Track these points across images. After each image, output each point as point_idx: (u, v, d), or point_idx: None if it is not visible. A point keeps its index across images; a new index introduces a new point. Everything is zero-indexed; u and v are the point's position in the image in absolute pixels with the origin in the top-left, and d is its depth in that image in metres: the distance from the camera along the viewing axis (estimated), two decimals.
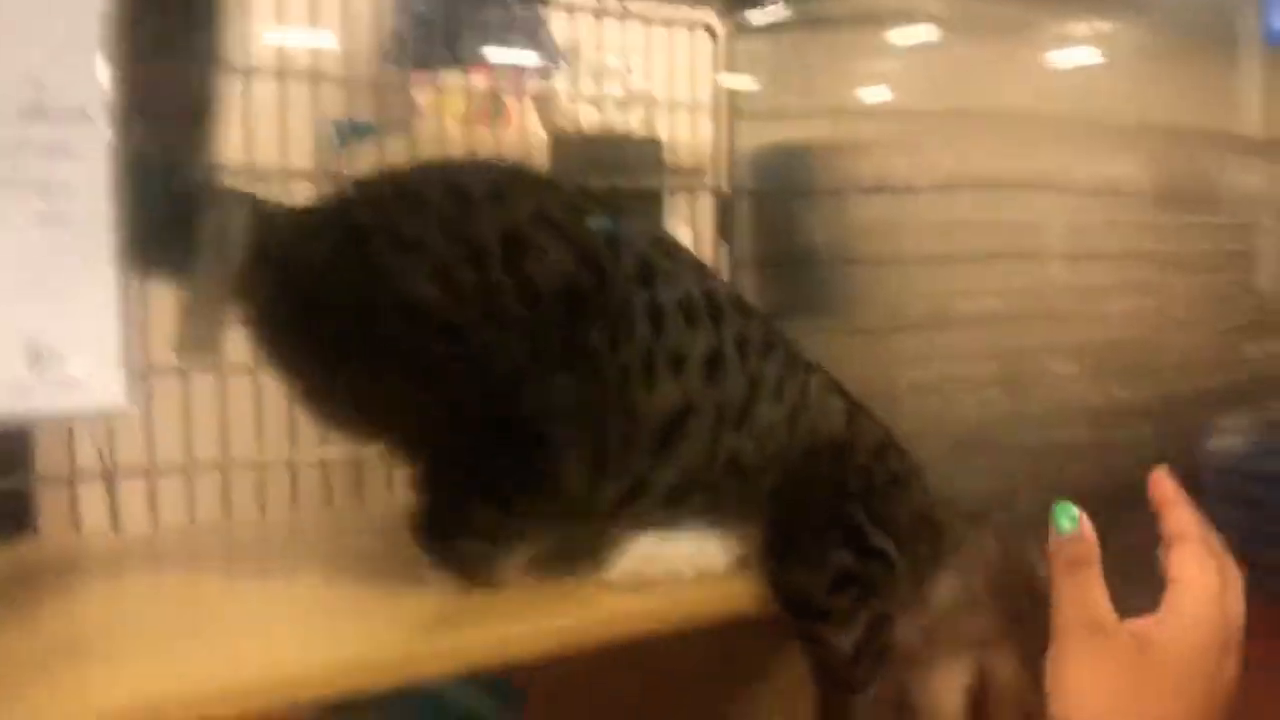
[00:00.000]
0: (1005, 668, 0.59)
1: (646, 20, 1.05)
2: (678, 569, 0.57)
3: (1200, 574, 0.53)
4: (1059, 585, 0.55)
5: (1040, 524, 0.57)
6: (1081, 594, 0.55)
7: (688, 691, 0.68)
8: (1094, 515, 1.41)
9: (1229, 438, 1.48)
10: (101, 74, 0.34)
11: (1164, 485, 0.61)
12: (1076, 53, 1.51)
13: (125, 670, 0.40)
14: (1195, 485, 1.51)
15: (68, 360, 0.34)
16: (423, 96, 1.10)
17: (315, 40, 0.88)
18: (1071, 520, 0.57)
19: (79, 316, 0.34)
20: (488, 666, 0.49)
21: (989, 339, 1.41)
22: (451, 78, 1.11)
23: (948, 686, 0.58)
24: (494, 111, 1.16)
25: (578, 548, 0.55)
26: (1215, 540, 0.57)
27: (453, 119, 1.15)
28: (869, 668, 0.55)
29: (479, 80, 1.15)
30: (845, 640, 0.55)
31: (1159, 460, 1.60)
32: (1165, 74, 1.39)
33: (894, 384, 1.43)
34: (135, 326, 0.35)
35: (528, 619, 0.52)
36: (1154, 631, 0.53)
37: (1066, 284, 1.41)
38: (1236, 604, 0.54)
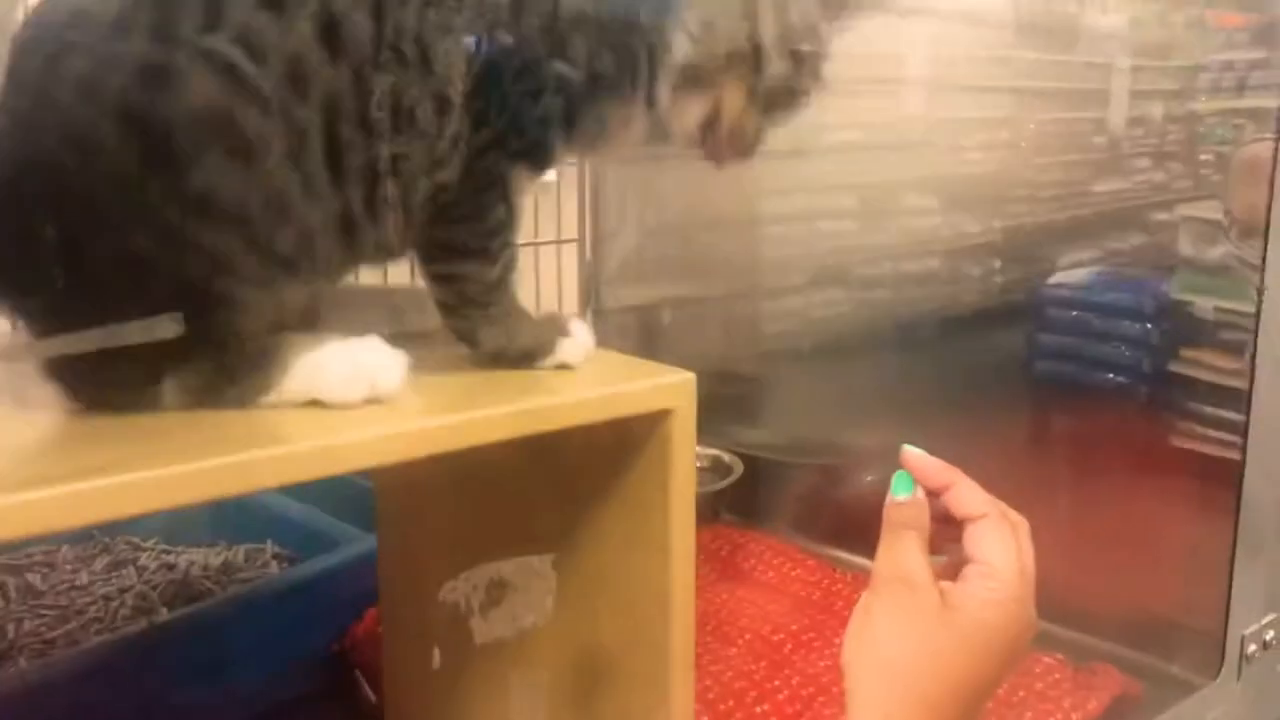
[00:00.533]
0: (734, 102, 0.66)
1: None
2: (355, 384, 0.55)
3: (1001, 550, 0.57)
4: (885, 541, 0.59)
5: None
6: (901, 552, 0.57)
7: (526, 505, 0.67)
8: (939, 343, 1.44)
9: (1071, 272, 1.51)
10: None
11: (925, 464, 0.61)
12: None
13: None
14: (1038, 316, 1.56)
15: None
16: None
17: None
18: (907, 488, 0.59)
19: None
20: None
21: (848, 170, 1.40)
22: None
23: (690, 113, 0.66)
24: None
25: (239, 366, 0.52)
26: (1001, 504, 0.60)
27: None
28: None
29: None
30: (490, 272, 0.62)
31: (1005, 290, 1.65)
32: None
33: (757, 212, 1.41)
34: None
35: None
36: (961, 600, 0.56)
37: (924, 116, 1.40)
38: (1030, 560, 0.58)
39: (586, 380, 0.62)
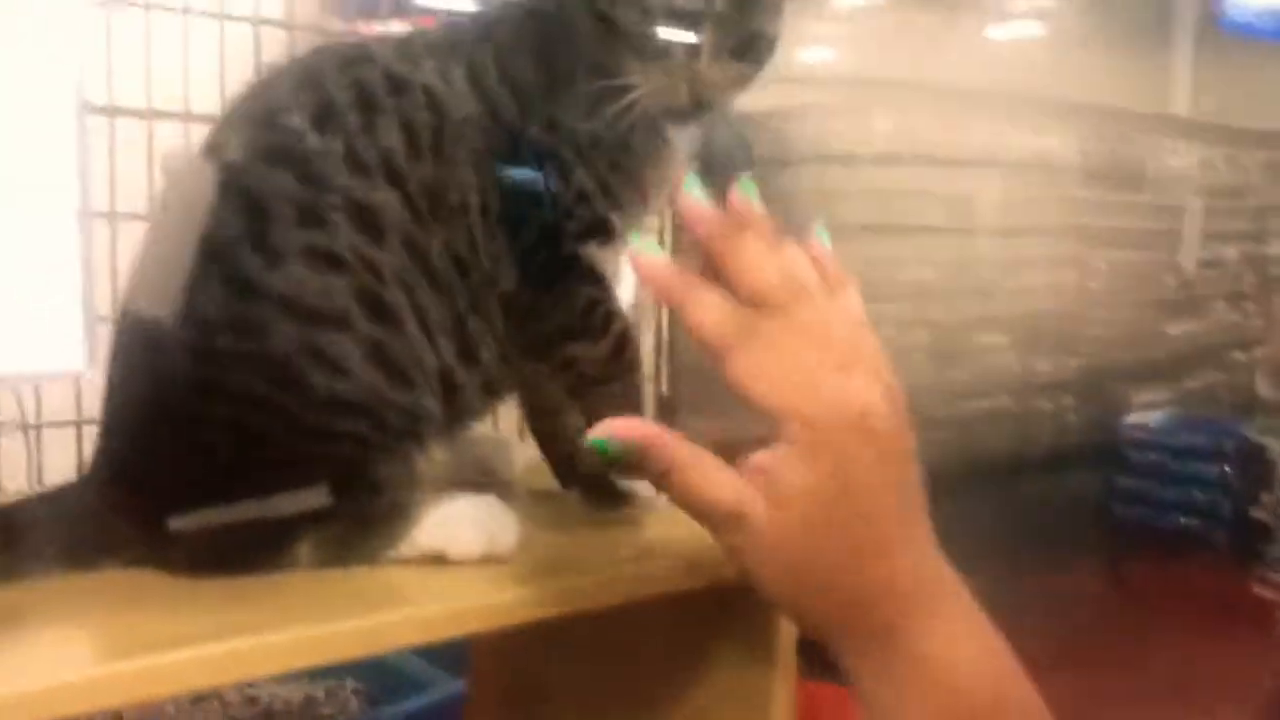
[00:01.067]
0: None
1: None
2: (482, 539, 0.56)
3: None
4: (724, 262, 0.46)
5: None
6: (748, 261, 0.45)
7: (635, 667, 0.68)
8: (1013, 482, 1.43)
9: (1146, 412, 1.51)
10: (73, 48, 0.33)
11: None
12: (1017, 27, 1.50)
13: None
14: (1115, 457, 1.55)
15: (31, 322, 0.33)
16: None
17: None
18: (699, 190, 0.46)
19: (42, 280, 0.33)
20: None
21: (919, 309, 1.42)
22: (397, 28, 1.07)
23: None
24: None
25: (372, 524, 0.53)
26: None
27: None
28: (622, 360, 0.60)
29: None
30: (598, 348, 0.59)
31: (1079, 431, 1.65)
32: (1102, 53, 1.40)
33: None
34: (95, 290, 0.33)
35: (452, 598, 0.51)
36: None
37: (995, 257, 1.41)
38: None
39: (688, 541, 0.63)
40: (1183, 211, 1.57)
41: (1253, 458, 1.48)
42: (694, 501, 0.48)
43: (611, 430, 0.47)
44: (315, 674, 1.05)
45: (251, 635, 0.46)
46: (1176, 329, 1.60)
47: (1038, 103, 1.45)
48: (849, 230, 1.41)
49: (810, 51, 1.43)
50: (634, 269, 0.47)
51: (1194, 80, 1.58)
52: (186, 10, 0.82)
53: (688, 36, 0.61)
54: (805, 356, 0.45)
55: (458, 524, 0.56)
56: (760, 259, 0.48)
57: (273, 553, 0.53)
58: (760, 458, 0.47)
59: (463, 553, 0.55)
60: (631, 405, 0.63)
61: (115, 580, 0.55)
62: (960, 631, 0.52)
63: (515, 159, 0.62)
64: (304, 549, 0.54)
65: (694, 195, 0.47)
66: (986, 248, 1.48)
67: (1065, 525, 1.41)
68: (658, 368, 1.28)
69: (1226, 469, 1.44)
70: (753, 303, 0.48)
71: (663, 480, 0.48)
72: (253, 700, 0.99)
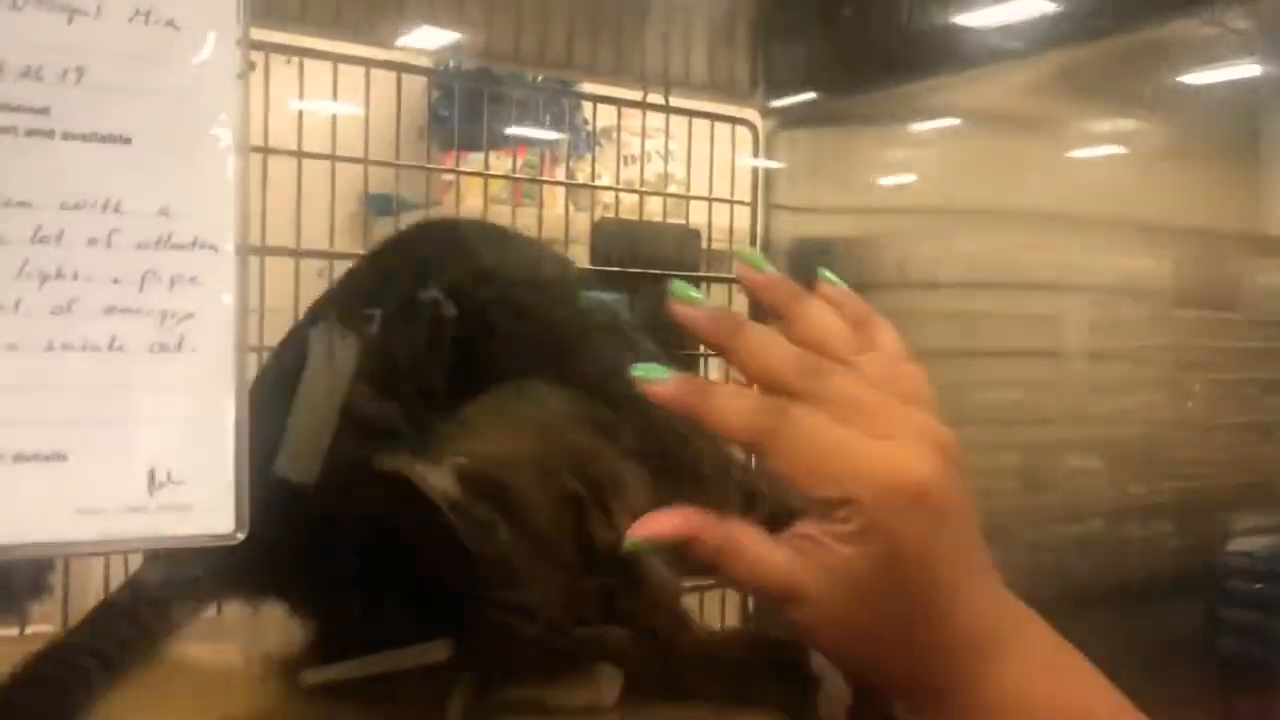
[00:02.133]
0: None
1: (690, 114, 1.10)
2: None
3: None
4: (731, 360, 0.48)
5: None
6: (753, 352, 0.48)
7: None
8: (1108, 615, 1.45)
9: (1253, 539, 1.49)
10: (232, 207, 0.38)
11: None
12: (1101, 149, 1.54)
13: None
14: (1214, 587, 1.57)
15: (183, 486, 0.36)
16: (460, 176, 1.15)
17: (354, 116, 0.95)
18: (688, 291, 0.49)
19: (195, 443, 0.37)
20: None
21: (1007, 432, 1.44)
22: (478, 158, 1.16)
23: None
24: (529, 193, 1.20)
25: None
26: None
27: (489, 199, 1.19)
28: None
29: (515, 161, 1.20)
30: None
31: (1176, 559, 1.66)
32: (1189, 172, 1.42)
33: None
34: (247, 455, 0.37)
35: None
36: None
37: (1085, 378, 1.44)
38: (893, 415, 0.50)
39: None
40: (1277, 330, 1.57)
41: None
42: (745, 583, 0.49)
43: (651, 530, 0.48)
44: None
45: None
46: (1275, 451, 1.58)
47: (1124, 224, 1.47)
48: (932, 354, 1.42)
49: (891, 178, 1.47)
50: (648, 395, 0.47)
51: None
52: None
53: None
54: (840, 435, 0.46)
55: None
56: (763, 346, 0.49)
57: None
58: (810, 529, 0.48)
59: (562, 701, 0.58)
60: None
61: None
62: (1032, 671, 0.52)
63: None
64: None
65: (683, 299, 0.48)
66: (1076, 370, 1.49)
67: (1166, 660, 1.39)
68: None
69: None
70: (773, 391, 0.49)
71: (711, 566, 0.49)
72: None
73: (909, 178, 1.47)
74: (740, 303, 1.26)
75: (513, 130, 1.26)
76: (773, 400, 0.46)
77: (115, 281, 0.38)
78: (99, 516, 0.38)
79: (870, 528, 0.45)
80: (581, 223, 1.22)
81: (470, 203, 1.20)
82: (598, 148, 1.40)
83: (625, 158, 1.32)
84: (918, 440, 0.46)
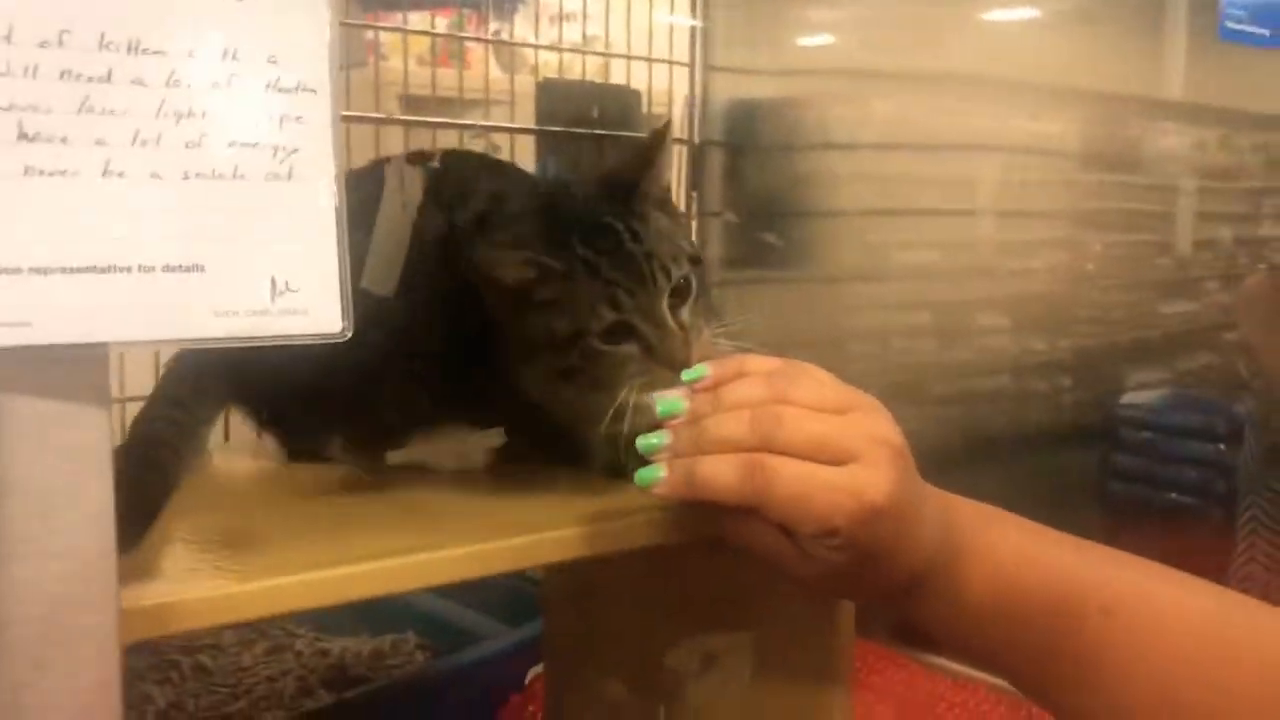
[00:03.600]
0: None
1: None
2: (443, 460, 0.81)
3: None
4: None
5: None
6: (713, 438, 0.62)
7: (706, 595, 0.82)
8: (1010, 461, 1.63)
9: (1142, 393, 1.63)
10: (327, 54, 0.47)
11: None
12: (1013, 13, 1.63)
13: None
14: (1110, 437, 1.76)
15: (298, 293, 0.46)
16: (386, 36, 1.18)
17: None
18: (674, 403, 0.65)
19: (306, 257, 0.46)
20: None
21: (922, 290, 1.56)
22: (415, 18, 1.19)
23: None
24: (456, 53, 1.25)
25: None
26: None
27: (415, 59, 1.23)
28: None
29: (441, 21, 1.23)
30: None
31: (1074, 411, 1.85)
32: (1097, 38, 1.52)
33: (838, 331, 1.57)
34: (348, 267, 0.46)
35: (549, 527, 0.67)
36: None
37: (995, 239, 1.56)
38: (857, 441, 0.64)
39: None
40: (1177, 193, 1.68)
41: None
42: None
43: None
44: (381, 629, 1.18)
45: (428, 552, 0.60)
46: (1171, 309, 1.71)
47: (1034, 87, 1.56)
48: (852, 214, 1.53)
49: (811, 40, 1.54)
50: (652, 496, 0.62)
51: (1187, 63, 1.68)
52: None
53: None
54: (810, 475, 0.59)
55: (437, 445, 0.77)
56: (719, 427, 0.61)
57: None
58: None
59: (437, 464, 0.78)
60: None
61: (317, 512, 0.70)
62: (1001, 559, 0.67)
63: None
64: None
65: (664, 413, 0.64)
66: (986, 230, 1.59)
67: (1063, 502, 1.53)
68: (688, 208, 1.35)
69: (1221, 447, 1.55)
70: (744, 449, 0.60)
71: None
72: (324, 652, 1.11)
73: (830, 39, 1.54)
74: None
75: None
76: (750, 457, 0.59)
77: (235, 120, 0.47)
78: (232, 318, 0.47)
79: (851, 544, 0.59)
80: (504, 84, 1.27)
81: (394, 63, 1.24)
82: (521, 6, 1.44)
83: (549, 18, 1.37)
84: (873, 452, 0.60)
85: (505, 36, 1.47)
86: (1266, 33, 1.19)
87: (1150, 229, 1.71)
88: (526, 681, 1.07)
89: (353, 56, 1.32)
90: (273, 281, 0.47)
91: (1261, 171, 1.67)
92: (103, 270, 0.45)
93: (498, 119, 1.21)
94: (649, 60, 1.28)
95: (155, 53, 0.46)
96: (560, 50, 1.26)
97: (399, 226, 0.69)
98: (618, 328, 0.71)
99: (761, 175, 1.49)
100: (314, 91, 0.48)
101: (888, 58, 1.50)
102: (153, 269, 0.46)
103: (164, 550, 0.59)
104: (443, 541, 0.60)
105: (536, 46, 1.28)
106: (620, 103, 1.25)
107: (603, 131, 1.21)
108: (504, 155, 1.16)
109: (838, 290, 1.55)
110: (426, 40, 1.24)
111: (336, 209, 0.49)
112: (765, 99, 1.48)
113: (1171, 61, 1.69)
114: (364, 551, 0.58)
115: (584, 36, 1.31)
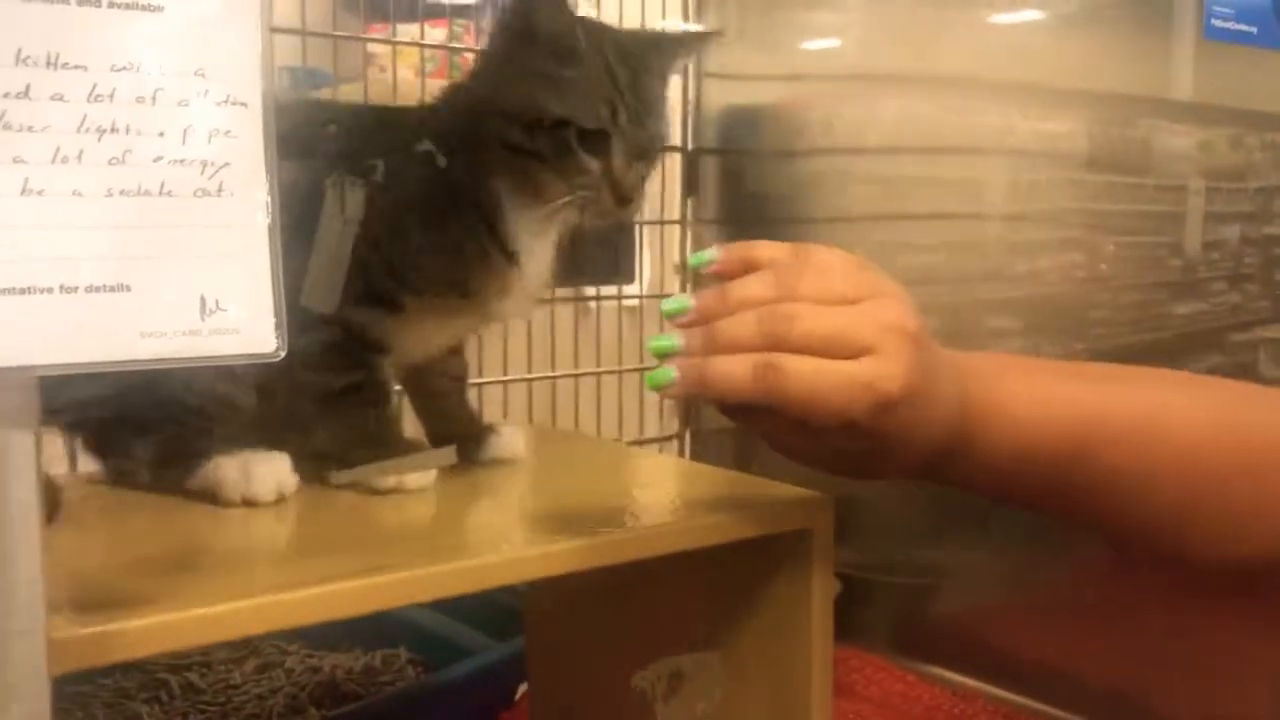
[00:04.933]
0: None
1: None
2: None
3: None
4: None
5: None
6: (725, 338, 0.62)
7: (681, 611, 0.80)
8: None
9: None
10: (259, 66, 0.45)
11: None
12: (1019, 14, 1.61)
13: None
14: None
15: (229, 312, 0.44)
16: (378, 47, 1.17)
17: None
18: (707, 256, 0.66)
19: (237, 275, 0.44)
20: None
21: (930, 293, 1.53)
22: (408, 30, 1.18)
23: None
24: (451, 65, 1.24)
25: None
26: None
27: (408, 71, 1.22)
28: None
29: (435, 33, 1.23)
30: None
31: None
32: (1103, 36, 1.50)
33: None
34: (282, 285, 0.45)
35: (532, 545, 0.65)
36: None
37: (1003, 240, 1.54)
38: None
39: (729, 501, 0.75)
40: (1185, 193, 1.66)
41: None
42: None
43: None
44: (372, 644, 1.16)
45: (391, 572, 0.58)
46: (1181, 310, 1.69)
47: (1041, 88, 1.54)
48: (854, 219, 1.51)
49: (815, 43, 1.52)
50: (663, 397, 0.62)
51: (1195, 63, 1.66)
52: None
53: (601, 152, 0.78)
54: (825, 371, 0.58)
55: (226, 473, 0.74)
56: (731, 328, 0.59)
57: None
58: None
59: (227, 498, 0.74)
60: (380, 439, 0.80)
61: (278, 532, 0.68)
62: (1020, 411, 0.67)
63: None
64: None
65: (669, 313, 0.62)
66: (994, 232, 1.57)
67: None
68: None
69: None
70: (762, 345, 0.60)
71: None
72: (315, 669, 1.10)
73: (833, 42, 1.52)
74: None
75: None
76: (762, 357, 0.58)
77: (161, 135, 0.45)
78: (160, 339, 0.45)
79: (870, 434, 0.59)
80: None
81: (394, 75, 1.23)
82: None
83: None
84: (887, 342, 0.59)
85: None
86: (1254, 30, 1.17)
87: (1159, 230, 1.69)
88: (516, 698, 1.05)
89: (350, 69, 1.31)
90: (202, 301, 0.46)
91: (1271, 171, 1.64)
92: (23, 292, 0.43)
93: None
94: None
95: (76, 67, 0.44)
96: None
97: (340, 243, 0.68)
98: (599, 137, 0.75)
99: (758, 181, 1.47)
100: (244, 105, 0.47)
101: (889, 61, 1.48)
102: (76, 289, 0.44)
103: (97, 577, 0.57)
104: (393, 563, 0.58)
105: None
106: None
107: None
108: None
109: None
110: (420, 52, 1.24)
111: (269, 225, 0.47)
112: (762, 104, 1.46)
113: (1179, 61, 1.66)
114: (308, 576, 0.56)
115: None
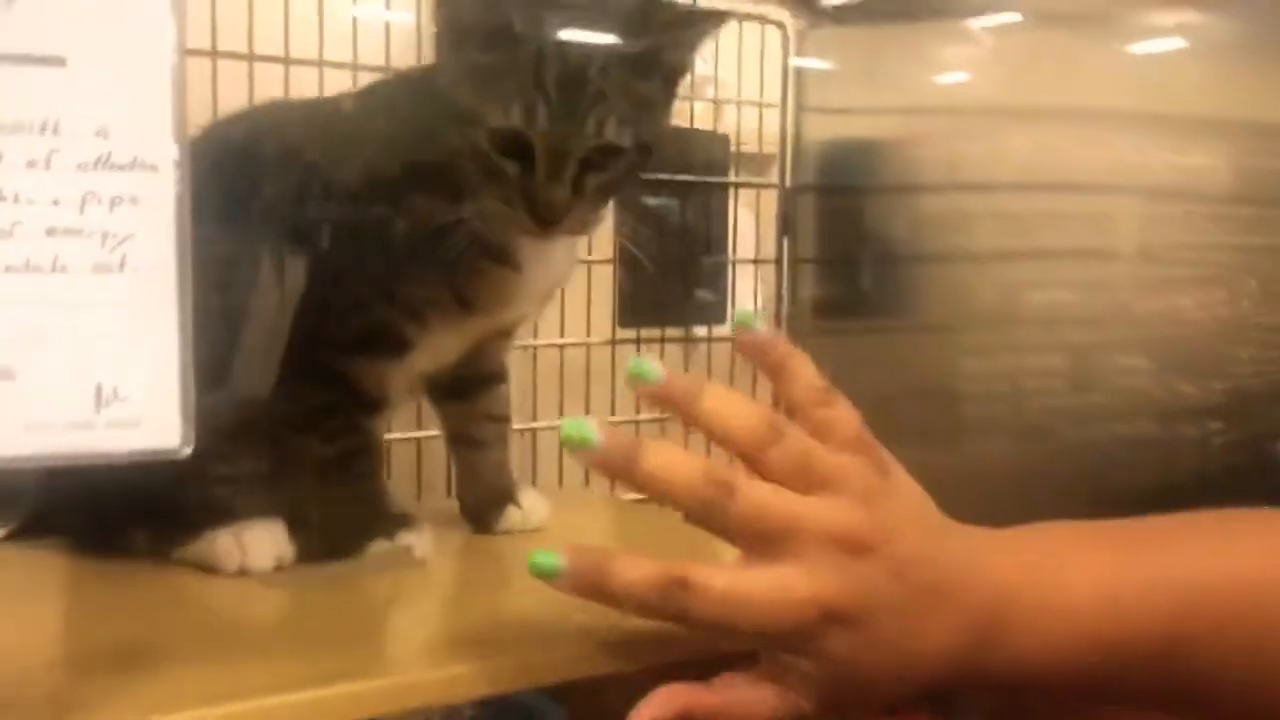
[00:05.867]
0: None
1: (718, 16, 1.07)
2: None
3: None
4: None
5: None
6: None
7: None
8: (1157, 511, 1.40)
9: None
10: (171, 122, 0.37)
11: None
12: (1161, 43, 1.48)
13: None
14: (1267, 485, 1.54)
15: (129, 402, 0.36)
16: None
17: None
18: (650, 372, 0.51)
19: (140, 360, 0.37)
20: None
21: (1055, 333, 1.42)
22: None
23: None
24: None
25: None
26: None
27: None
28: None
29: None
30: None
31: (1227, 458, 1.63)
32: (1252, 65, 1.37)
33: (960, 379, 1.44)
34: (191, 371, 0.37)
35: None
36: None
37: (1137, 278, 1.41)
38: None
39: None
40: None
41: None
42: None
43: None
44: None
45: (347, 682, 0.50)
46: None
47: (1182, 120, 1.42)
48: (975, 256, 1.41)
49: (937, 75, 1.42)
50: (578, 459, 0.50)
51: None
52: None
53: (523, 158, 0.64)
54: (782, 502, 0.49)
55: (221, 545, 0.66)
56: (721, 411, 0.50)
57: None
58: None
59: (223, 569, 0.66)
60: (367, 512, 0.70)
61: (213, 630, 0.61)
62: (1041, 624, 0.54)
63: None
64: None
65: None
66: (1127, 270, 1.45)
67: None
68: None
69: None
70: (729, 450, 0.51)
71: None
72: None
73: (958, 75, 1.43)
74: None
75: None
76: (721, 474, 0.48)
77: (55, 203, 0.39)
78: (47, 432, 0.38)
79: (817, 654, 0.49)
80: None
81: None
82: None
83: None
84: (828, 549, 0.48)
85: None
86: None
87: None
88: None
89: None
90: (98, 389, 0.39)
91: None
92: None
93: None
94: (737, 103, 1.18)
95: None
96: None
97: (276, 320, 0.60)
98: (515, 138, 0.62)
99: (869, 218, 1.38)
100: (153, 168, 0.40)
101: (1018, 94, 1.38)
102: None
103: (37, 678, 0.51)
104: (356, 669, 0.50)
105: None
106: (706, 148, 1.15)
107: (686, 177, 1.12)
108: None
109: (954, 335, 1.44)
110: None
111: (179, 302, 0.40)
112: (872, 139, 1.36)
113: None
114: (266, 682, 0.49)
115: (691, 75, 1.22)
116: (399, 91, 0.73)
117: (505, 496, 0.79)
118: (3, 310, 0.38)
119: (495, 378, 0.81)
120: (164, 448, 0.40)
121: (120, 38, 0.39)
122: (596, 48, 0.63)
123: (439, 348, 0.71)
